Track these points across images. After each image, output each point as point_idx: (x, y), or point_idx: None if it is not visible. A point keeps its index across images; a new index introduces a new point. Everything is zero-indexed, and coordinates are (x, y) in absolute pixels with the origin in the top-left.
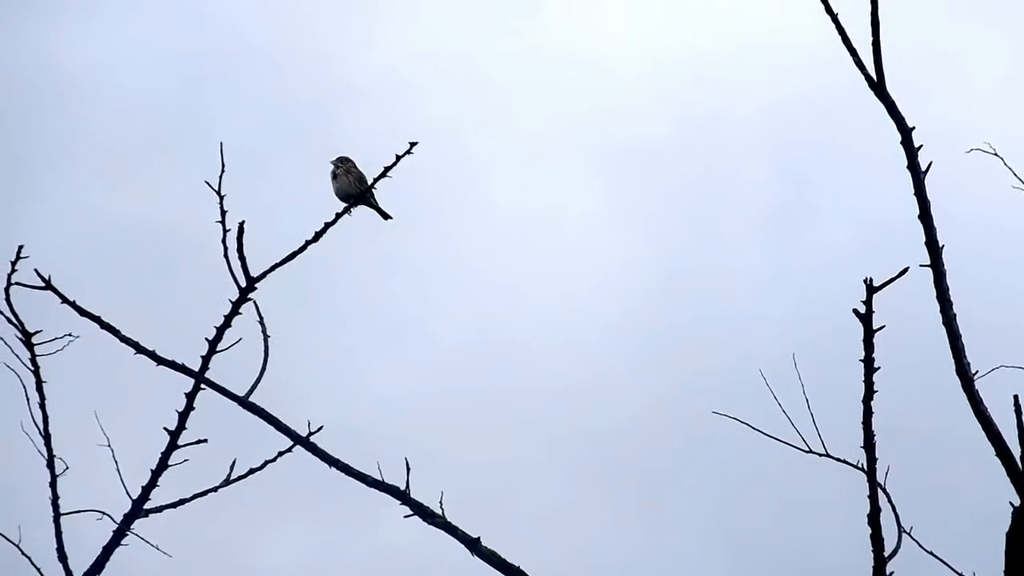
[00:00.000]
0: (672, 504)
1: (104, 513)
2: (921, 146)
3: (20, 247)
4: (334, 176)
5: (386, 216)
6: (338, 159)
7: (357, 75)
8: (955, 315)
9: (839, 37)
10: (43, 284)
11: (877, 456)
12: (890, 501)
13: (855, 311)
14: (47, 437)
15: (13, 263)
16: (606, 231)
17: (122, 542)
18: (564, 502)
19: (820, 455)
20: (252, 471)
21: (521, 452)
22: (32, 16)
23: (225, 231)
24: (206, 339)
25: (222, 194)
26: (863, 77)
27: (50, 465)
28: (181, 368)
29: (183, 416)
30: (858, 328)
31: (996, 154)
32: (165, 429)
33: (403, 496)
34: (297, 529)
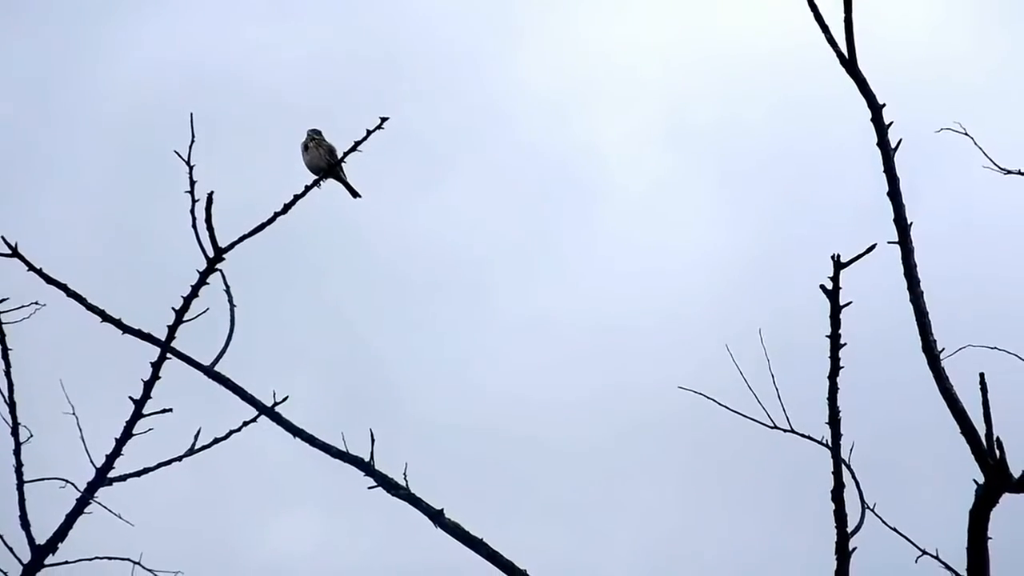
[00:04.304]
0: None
1: (67, 481)
2: (891, 123)
3: None
4: (305, 148)
5: (355, 194)
6: (309, 131)
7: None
8: (922, 293)
9: (811, 14)
10: (10, 251)
11: (842, 432)
12: (854, 477)
13: (822, 287)
14: (12, 405)
15: None
16: (706, 216)
17: (85, 510)
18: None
19: (785, 431)
20: (217, 441)
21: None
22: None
23: (194, 201)
24: (172, 309)
25: (191, 164)
26: (834, 54)
27: (14, 432)
28: (147, 337)
29: (148, 385)
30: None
31: (967, 134)
32: (130, 398)
33: (367, 467)
34: (263, 502)
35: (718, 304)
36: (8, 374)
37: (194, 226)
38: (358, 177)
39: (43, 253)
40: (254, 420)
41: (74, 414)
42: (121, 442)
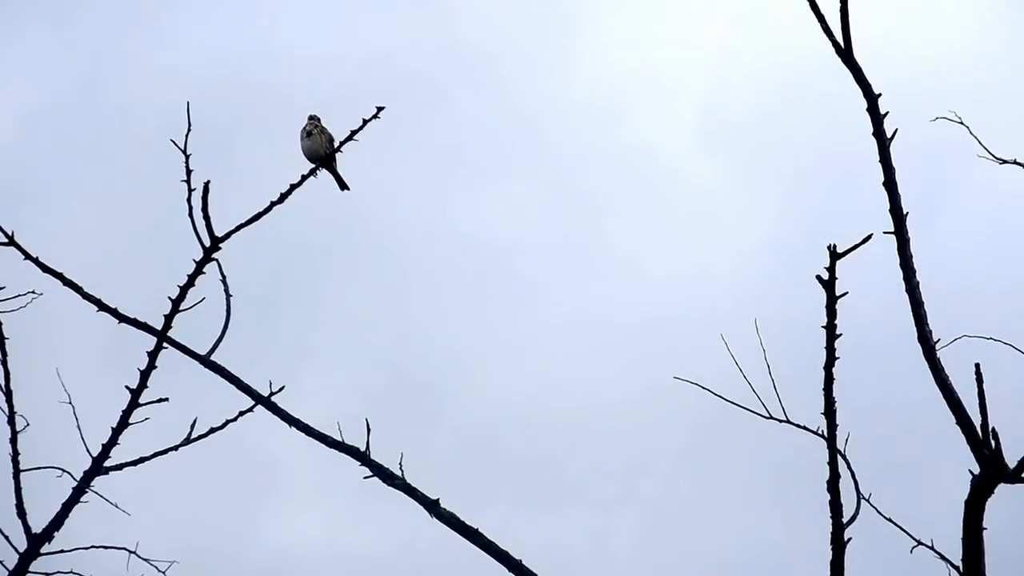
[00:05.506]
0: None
1: (64, 470)
2: (887, 113)
3: None
4: (307, 134)
5: (344, 186)
6: (310, 117)
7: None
8: (918, 283)
9: (808, 3)
10: (6, 240)
11: (837, 423)
12: (849, 468)
13: (818, 277)
14: (8, 393)
15: None
16: (750, 213)
17: (81, 500)
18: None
19: (781, 421)
20: (213, 430)
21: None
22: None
23: (190, 190)
24: (169, 298)
25: (188, 153)
26: (830, 43)
27: (11, 421)
28: (143, 326)
29: (144, 375)
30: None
31: (962, 123)
32: (127, 387)
33: (363, 457)
34: (260, 491)
35: (752, 301)
36: (5, 363)
37: (191, 215)
38: (406, 170)
39: (42, 243)
40: (250, 410)
41: (71, 403)
42: (117, 431)
